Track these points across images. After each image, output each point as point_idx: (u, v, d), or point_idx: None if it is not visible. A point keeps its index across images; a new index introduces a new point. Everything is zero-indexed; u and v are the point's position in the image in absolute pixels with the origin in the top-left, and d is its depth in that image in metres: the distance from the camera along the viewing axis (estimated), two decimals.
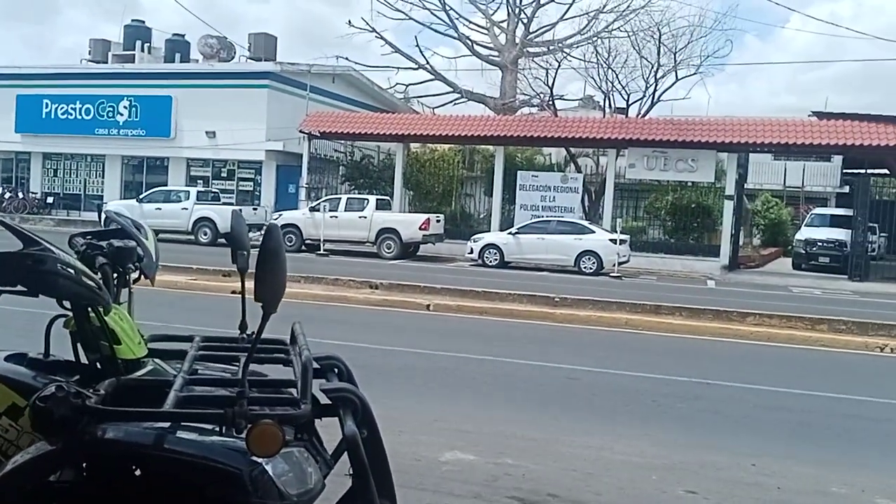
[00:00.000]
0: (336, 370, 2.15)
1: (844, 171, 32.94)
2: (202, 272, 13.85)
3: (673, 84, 28.99)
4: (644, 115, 27.79)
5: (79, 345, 1.93)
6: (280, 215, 23.01)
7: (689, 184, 23.97)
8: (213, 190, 26.61)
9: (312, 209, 22.36)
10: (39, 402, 1.57)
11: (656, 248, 23.42)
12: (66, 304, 1.84)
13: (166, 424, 1.66)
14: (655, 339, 10.40)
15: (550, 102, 30.37)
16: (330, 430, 1.99)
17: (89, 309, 1.83)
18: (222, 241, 22.14)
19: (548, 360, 8.32)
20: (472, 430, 5.52)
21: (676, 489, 4.52)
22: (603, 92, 29.70)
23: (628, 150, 23.22)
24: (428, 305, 11.89)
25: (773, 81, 70.79)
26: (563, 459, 4.99)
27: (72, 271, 1.74)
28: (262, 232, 1.68)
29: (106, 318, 1.87)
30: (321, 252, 20.97)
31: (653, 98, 28.71)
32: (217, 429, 1.68)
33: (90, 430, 1.60)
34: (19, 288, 1.73)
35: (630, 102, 29.12)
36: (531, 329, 10.60)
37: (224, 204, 24.84)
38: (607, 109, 29.73)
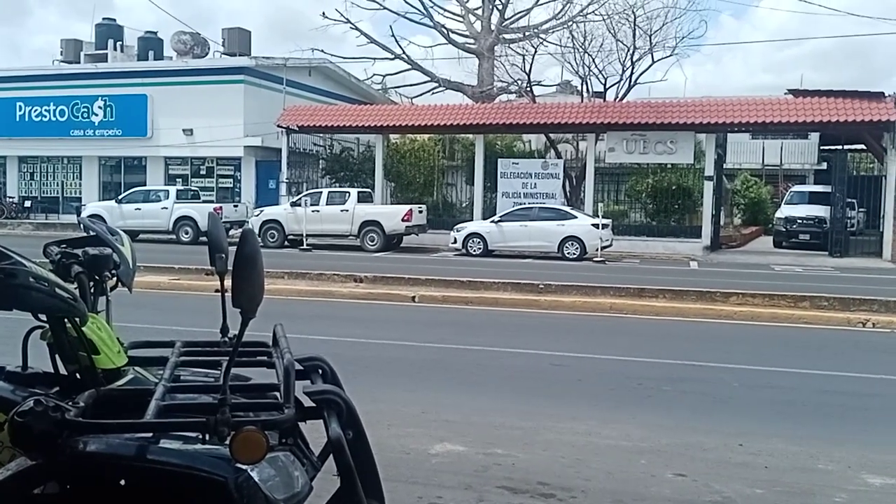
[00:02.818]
0: (320, 371, 2.13)
1: (822, 147, 33.21)
2: (185, 272, 13.77)
3: (649, 66, 29.01)
4: (622, 99, 27.80)
5: (57, 356, 1.90)
6: (261, 211, 22.90)
7: (669, 166, 24.06)
8: (193, 188, 26.39)
9: (294, 204, 22.26)
10: (18, 416, 1.55)
11: (638, 231, 23.53)
12: (42, 315, 1.81)
13: (149, 434, 1.64)
14: (640, 323, 10.46)
15: (528, 89, 30.30)
16: (318, 430, 1.98)
17: (66, 320, 1.80)
18: (204, 239, 22.02)
19: (534, 348, 8.35)
20: (460, 421, 5.53)
21: (665, 472, 4.55)
22: (580, 77, 29.69)
23: (607, 134, 23.26)
24: (413, 297, 11.88)
25: (749, 61, 71.24)
26: (551, 447, 5.01)
27: (45, 284, 1.71)
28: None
29: (83, 328, 1.85)
30: (304, 247, 20.88)
31: (630, 81, 28.72)
32: (201, 436, 1.66)
33: (71, 444, 1.58)
34: None
35: (607, 86, 29.11)
36: (517, 317, 10.62)
37: (204, 202, 24.65)
38: (585, 94, 29.71)
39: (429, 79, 33.71)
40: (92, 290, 2.12)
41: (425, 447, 4.89)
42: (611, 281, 13.15)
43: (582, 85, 30.14)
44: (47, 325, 1.84)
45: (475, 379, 7.03)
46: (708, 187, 22.72)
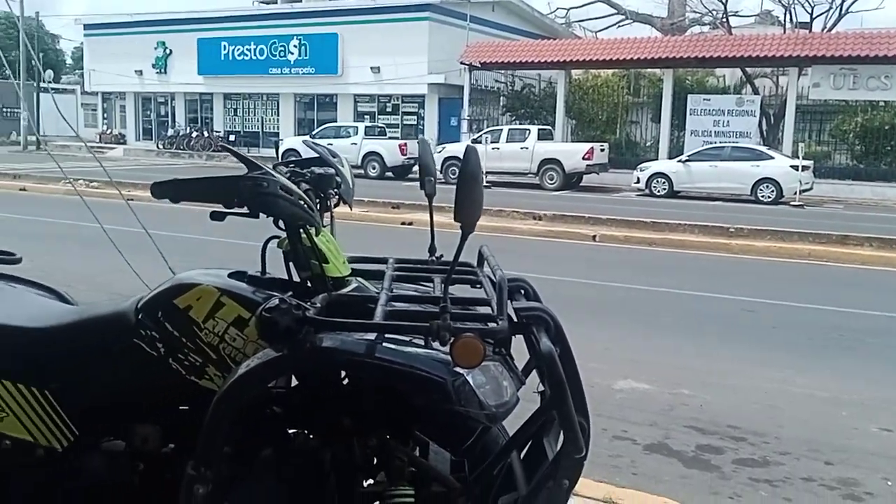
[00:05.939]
0: (523, 291, 2.19)
1: None
2: (373, 204, 14.37)
3: None
4: (830, 30, 25.40)
5: (291, 264, 2.08)
6: (443, 148, 23.32)
7: (882, 103, 21.85)
8: (380, 125, 27.37)
9: (474, 141, 22.46)
10: (266, 312, 1.72)
11: (843, 174, 21.72)
12: (281, 224, 1.99)
13: (374, 336, 1.78)
14: (842, 272, 9.75)
15: (724, 19, 28.40)
16: (517, 351, 2.04)
17: (302, 230, 1.97)
18: (390, 174, 22.94)
19: (722, 292, 8.03)
20: (644, 361, 5.48)
21: (869, 426, 4.29)
22: (783, 5, 27.37)
23: (812, 68, 21.45)
24: (594, 236, 11.76)
25: None
26: (741, 391, 4.86)
27: (290, 194, 1.89)
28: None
29: (316, 238, 2.01)
30: (484, 184, 21.07)
31: (840, 9, 26.13)
32: (422, 340, 1.77)
33: (310, 339, 1.74)
34: (241, 210, 1.90)
35: (814, 16, 26.65)
36: (704, 260, 10.23)
37: (390, 138, 25.51)
38: (788, 24, 27.41)
39: (615, 11, 32.50)
40: (318, 207, 2.29)
41: (609, 383, 4.90)
42: (810, 227, 12.29)
43: (784, 14, 27.83)
44: (284, 235, 2.02)
45: (660, 321, 6.89)
46: None
